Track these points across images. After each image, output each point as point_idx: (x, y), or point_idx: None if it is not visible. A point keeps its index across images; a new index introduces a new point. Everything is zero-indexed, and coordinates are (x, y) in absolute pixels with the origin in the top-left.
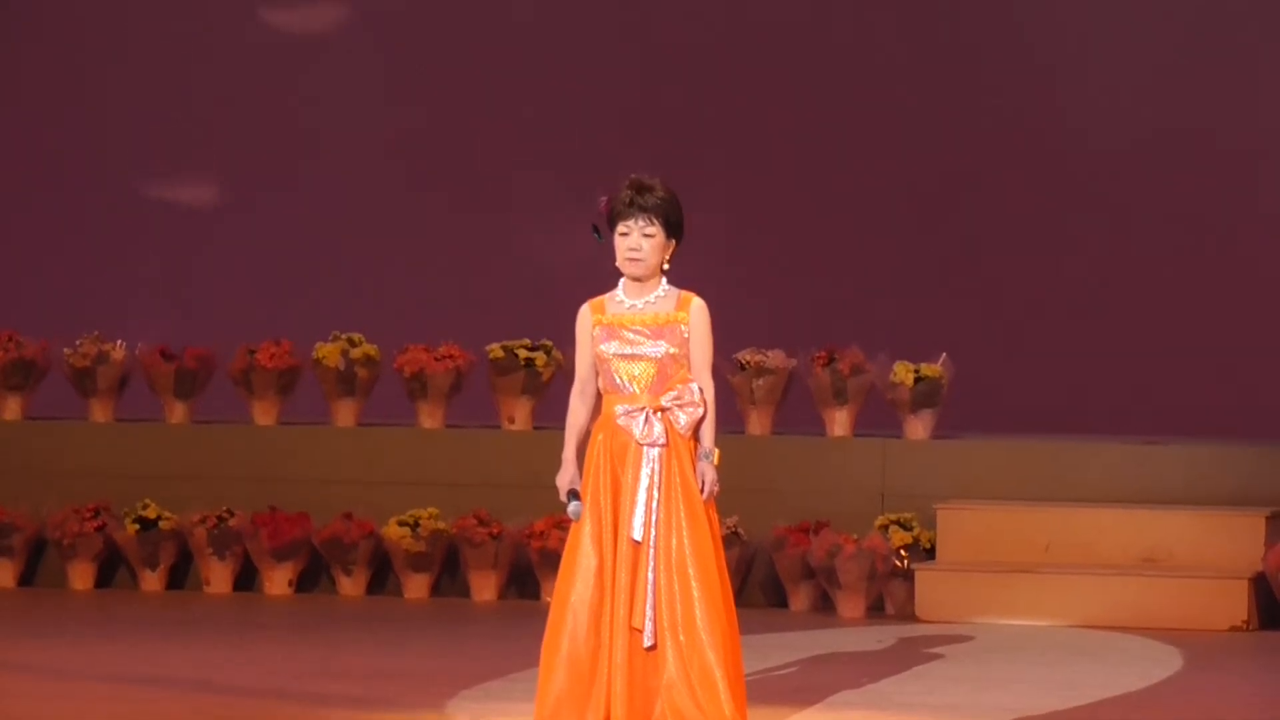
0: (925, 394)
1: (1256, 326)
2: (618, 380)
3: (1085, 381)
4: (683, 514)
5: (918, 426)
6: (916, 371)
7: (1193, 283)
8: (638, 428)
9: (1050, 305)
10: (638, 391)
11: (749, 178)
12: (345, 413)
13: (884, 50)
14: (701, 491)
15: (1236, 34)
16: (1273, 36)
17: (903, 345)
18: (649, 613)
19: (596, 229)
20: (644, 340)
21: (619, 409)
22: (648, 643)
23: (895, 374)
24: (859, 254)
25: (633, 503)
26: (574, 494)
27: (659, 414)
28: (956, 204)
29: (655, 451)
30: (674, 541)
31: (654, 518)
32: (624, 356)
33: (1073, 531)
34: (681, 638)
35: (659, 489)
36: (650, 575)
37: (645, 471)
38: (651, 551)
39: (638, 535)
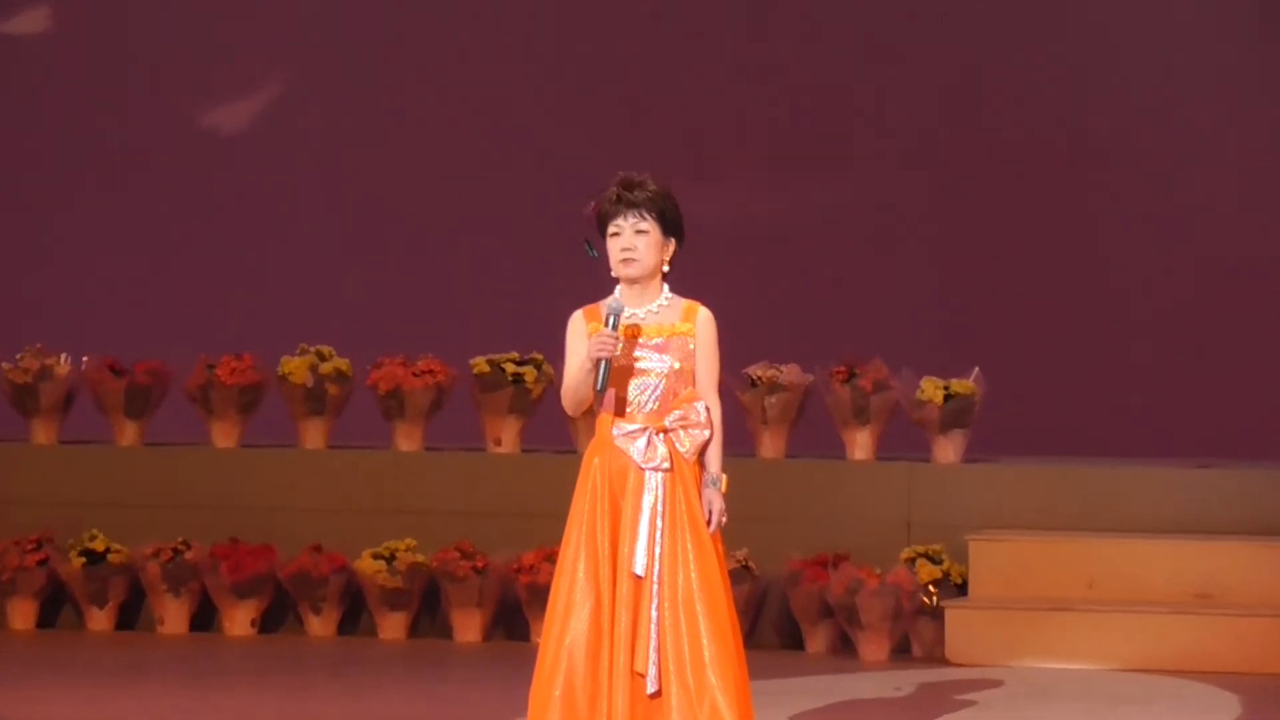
0: (956, 413)
1: None
2: (617, 398)
3: (1132, 399)
4: (689, 545)
5: (947, 449)
6: (946, 388)
7: (1246, 292)
8: (638, 450)
9: (1092, 315)
10: (638, 410)
11: (760, 177)
12: (314, 434)
13: (910, 53)
14: (708, 522)
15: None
16: None
17: (931, 359)
18: (652, 655)
19: (590, 243)
20: (647, 354)
21: (617, 429)
22: (651, 689)
23: (922, 391)
24: (882, 259)
25: (634, 534)
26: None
27: (662, 435)
28: (988, 206)
29: (658, 477)
30: (680, 576)
31: (658, 550)
32: (626, 371)
33: (1118, 565)
34: (690, 681)
35: (663, 518)
36: (654, 614)
37: (647, 499)
38: (655, 587)
39: (640, 569)
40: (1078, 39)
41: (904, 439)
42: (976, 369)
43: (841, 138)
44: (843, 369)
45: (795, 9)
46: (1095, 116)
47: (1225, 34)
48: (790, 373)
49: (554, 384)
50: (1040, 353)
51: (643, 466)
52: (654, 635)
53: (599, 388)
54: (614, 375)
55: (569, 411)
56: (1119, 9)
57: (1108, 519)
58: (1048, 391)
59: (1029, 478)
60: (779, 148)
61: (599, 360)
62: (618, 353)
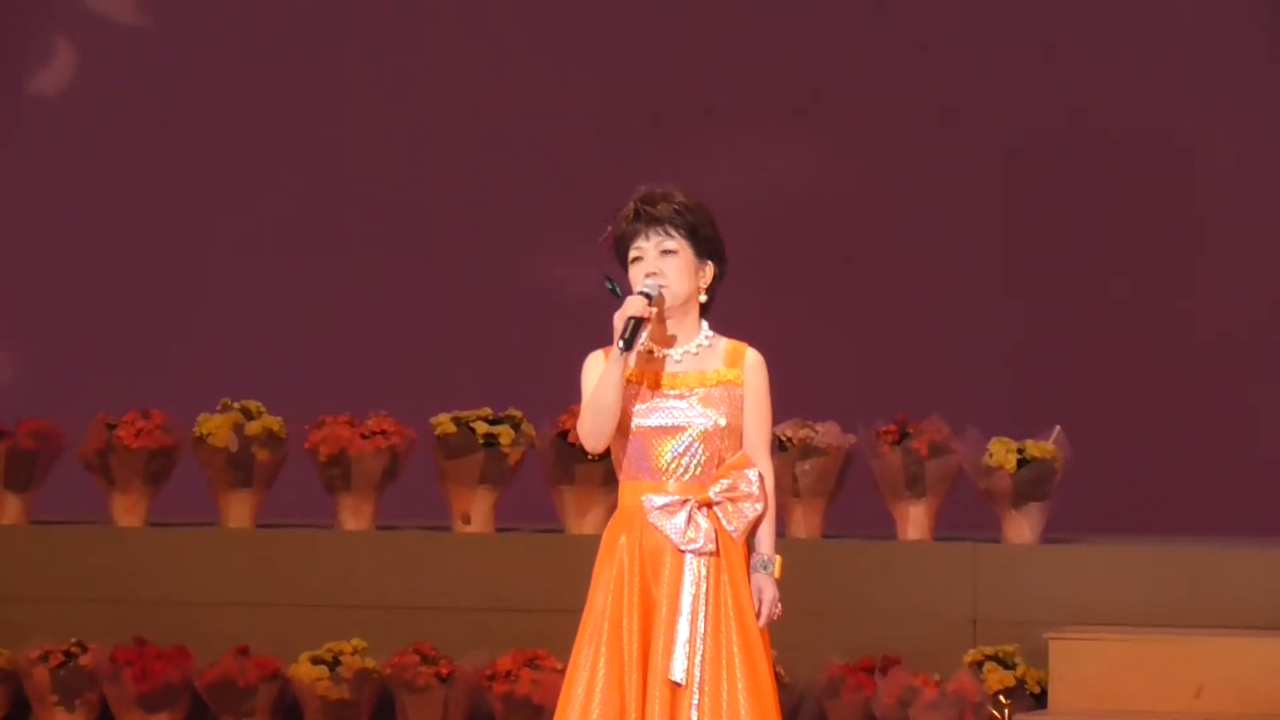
0: (1032, 482)
1: None
2: (648, 462)
3: (1247, 466)
4: (735, 645)
5: (1022, 526)
6: (1020, 451)
7: None
8: (676, 529)
9: (1197, 364)
10: (674, 478)
11: (793, 205)
12: (239, 509)
13: (981, 75)
14: (758, 615)
15: None
16: None
17: (999, 417)
18: None
19: (610, 280)
20: (686, 407)
21: (648, 501)
22: None
23: (991, 455)
24: (941, 295)
25: (671, 631)
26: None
27: (705, 510)
28: (1072, 233)
29: (701, 561)
30: (724, 684)
31: (699, 652)
32: (658, 430)
33: (1232, 669)
34: None
35: (705, 614)
36: None
37: (688, 590)
38: (695, 698)
39: (679, 676)
40: (1180, 68)
41: (968, 514)
42: (1058, 428)
43: (898, 154)
44: (892, 428)
45: (848, 27)
46: (1201, 140)
47: None
48: (828, 433)
49: (535, 447)
50: (1135, 409)
51: (682, 548)
52: None
53: (624, 345)
54: (642, 436)
55: (588, 441)
56: (1223, 37)
57: (1219, 613)
58: (1144, 456)
59: (1122, 561)
60: (820, 158)
61: (630, 318)
62: (650, 321)
